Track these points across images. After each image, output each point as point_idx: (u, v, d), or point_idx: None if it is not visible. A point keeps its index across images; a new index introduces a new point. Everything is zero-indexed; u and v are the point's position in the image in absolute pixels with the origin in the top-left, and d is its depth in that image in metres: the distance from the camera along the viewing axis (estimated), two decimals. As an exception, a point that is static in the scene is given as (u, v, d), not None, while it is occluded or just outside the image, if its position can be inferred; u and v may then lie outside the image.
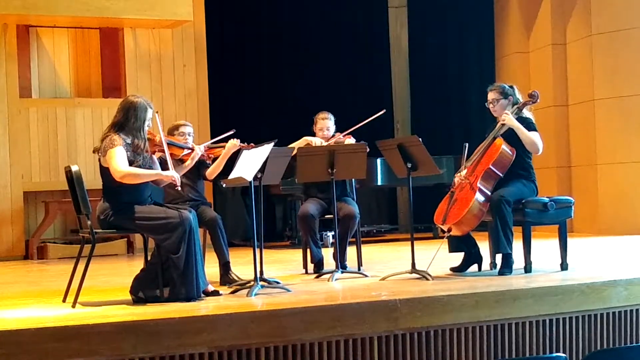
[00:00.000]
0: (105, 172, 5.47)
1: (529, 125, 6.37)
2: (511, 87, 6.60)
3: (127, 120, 5.50)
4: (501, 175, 6.27)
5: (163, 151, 5.70)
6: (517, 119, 6.38)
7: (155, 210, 5.42)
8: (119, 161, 5.33)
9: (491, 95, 6.54)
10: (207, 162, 6.44)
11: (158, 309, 5.05)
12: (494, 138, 6.37)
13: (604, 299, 5.55)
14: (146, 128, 5.57)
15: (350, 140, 7.03)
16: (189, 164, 6.09)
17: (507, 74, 11.24)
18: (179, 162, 6.17)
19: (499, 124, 6.43)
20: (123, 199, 5.43)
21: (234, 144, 6.31)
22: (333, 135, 7.12)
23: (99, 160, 5.49)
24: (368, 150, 6.57)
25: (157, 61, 10.41)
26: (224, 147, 6.35)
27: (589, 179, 10.57)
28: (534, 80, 11.05)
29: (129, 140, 5.47)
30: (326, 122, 7.14)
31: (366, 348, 4.98)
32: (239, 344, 4.72)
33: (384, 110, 7.26)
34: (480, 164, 6.31)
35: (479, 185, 6.22)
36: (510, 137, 6.33)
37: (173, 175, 5.46)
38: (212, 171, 6.52)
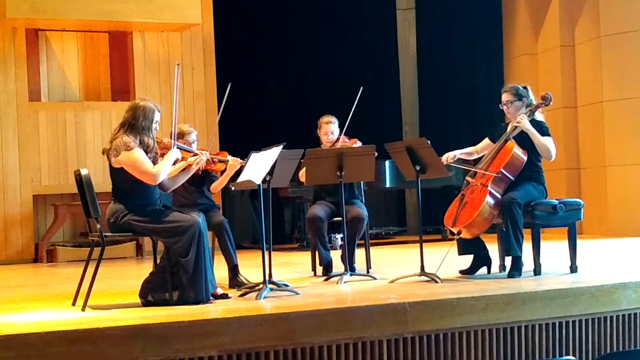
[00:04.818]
0: (116, 173, 5.48)
1: (542, 129, 6.31)
2: (525, 88, 6.49)
3: (136, 120, 5.50)
4: (512, 178, 6.23)
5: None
6: (529, 122, 6.32)
7: (165, 214, 5.43)
8: (147, 164, 5.40)
9: (505, 97, 6.45)
10: (215, 174, 6.44)
11: (167, 312, 5.05)
12: (506, 141, 6.31)
13: (613, 302, 5.53)
14: (154, 129, 5.57)
15: (357, 144, 6.99)
16: (194, 168, 6.04)
17: (516, 76, 11.21)
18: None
19: (510, 126, 6.37)
20: (133, 202, 5.44)
21: (235, 163, 6.17)
22: (338, 139, 7.10)
23: (109, 161, 5.50)
24: (376, 155, 6.56)
25: (165, 64, 10.43)
26: (225, 162, 6.28)
27: (598, 180, 10.55)
28: (542, 82, 11.03)
29: (137, 141, 5.47)
30: (330, 126, 7.11)
31: (375, 351, 4.97)
32: (248, 347, 4.72)
33: (362, 88, 6.97)
34: (492, 166, 6.26)
35: (489, 188, 6.18)
36: (522, 139, 6.28)
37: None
38: (216, 186, 6.53)
